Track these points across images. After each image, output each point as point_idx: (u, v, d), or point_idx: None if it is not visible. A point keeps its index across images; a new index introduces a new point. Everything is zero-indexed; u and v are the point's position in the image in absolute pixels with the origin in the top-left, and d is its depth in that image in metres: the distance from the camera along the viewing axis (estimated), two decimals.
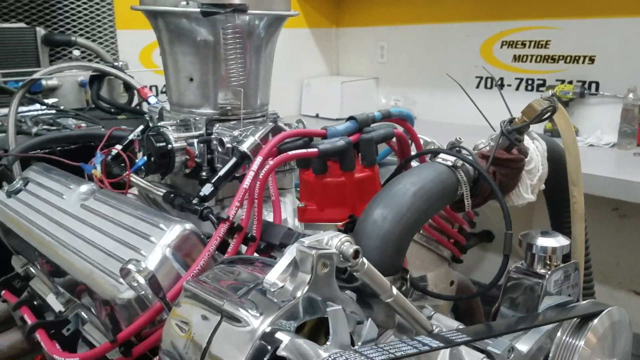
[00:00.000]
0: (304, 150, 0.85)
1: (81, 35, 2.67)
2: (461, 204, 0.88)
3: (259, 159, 0.84)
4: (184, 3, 0.96)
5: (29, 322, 0.91)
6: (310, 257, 0.61)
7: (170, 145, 1.00)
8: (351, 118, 0.94)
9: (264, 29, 1.04)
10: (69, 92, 2.31)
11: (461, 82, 4.10)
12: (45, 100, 2.05)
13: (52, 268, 0.94)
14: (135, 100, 2.27)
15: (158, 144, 0.99)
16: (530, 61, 3.30)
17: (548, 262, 0.93)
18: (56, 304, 0.96)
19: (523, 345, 0.86)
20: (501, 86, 3.42)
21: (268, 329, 0.59)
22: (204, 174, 1.03)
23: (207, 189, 0.95)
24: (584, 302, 0.94)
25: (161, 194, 1.03)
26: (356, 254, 0.64)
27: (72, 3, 2.67)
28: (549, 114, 0.90)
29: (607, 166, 2.63)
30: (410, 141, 1.01)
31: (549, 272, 0.91)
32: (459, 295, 1.14)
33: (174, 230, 0.80)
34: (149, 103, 1.64)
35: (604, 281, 2.94)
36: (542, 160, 1.01)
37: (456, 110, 3.57)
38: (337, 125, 0.93)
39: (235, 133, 0.98)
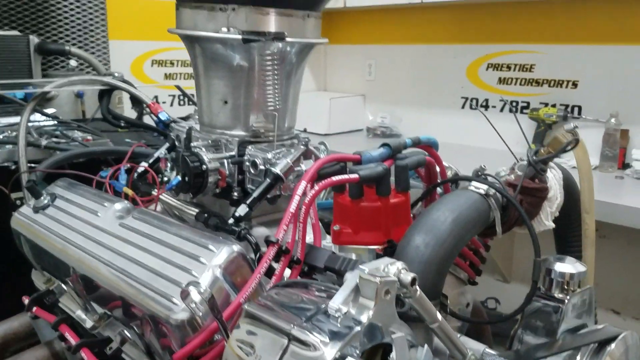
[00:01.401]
0: (346, 176, 0.88)
1: (74, 44, 2.66)
2: (491, 229, 0.92)
3: (303, 184, 0.86)
4: (225, 30, 0.98)
5: (72, 340, 0.92)
6: (374, 285, 0.64)
7: (204, 166, 1.02)
8: (385, 144, 0.97)
9: (296, 55, 1.07)
10: (65, 103, 2.29)
11: (447, 102, 4.19)
12: (44, 111, 2.03)
13: (87, 285, 0.94)
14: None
15: (193, 164, 1.01)
16: (515, 84, 3.40)
17: (566, 287, 0.97)
18: (87, 322, 0.97)
19: None
20: (486, 107, 3.51)
21: (338, 355, 0.61)
22: (235, 194, 1.05)
23: (242, 210, 0.98)
24: (600, 326, 0.99)
25: (193, 213, 1.05)
26: (413, 282, 0.67)
27: (65, 12, 2.66)
28: (572, 145, 0.96)
29: None
30: None
31: (568, 297, 0.95)
32: (486, 320, 1.18)
33: (224, 252, 0.82)
34: (159, 119, 1.65)
35: None
36: (559, 189, 1.06)
37: (441, 129, 3.67)
38: (371, 151, 0.97)
39: (269, 155, 1.01)
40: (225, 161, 1.06)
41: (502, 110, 3.44)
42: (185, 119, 2.03)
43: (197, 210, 1.06)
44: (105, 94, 1.61)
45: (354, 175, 0.88)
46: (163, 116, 1.64)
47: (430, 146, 1.04)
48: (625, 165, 2.94)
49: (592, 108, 3.11)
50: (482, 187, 0.91)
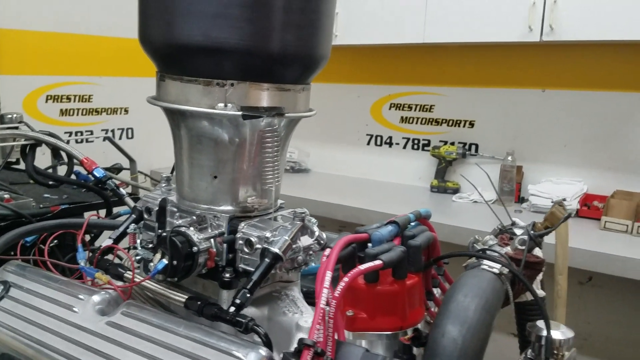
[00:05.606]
0: (371, 264, 0.84)
1: None
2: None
3: (328, 275, 0.81)
4: (222, 105, 0.91)
5: None
6: None
7: (195, 248, 0.94)
8: (393, 222, 0.95)
9: (286, 127, 1.02)
10: None
11: (352, 139, 4.27)
12: None
13: None
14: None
15: (182, 247, 0.92)
16: (416, 123, 3.54)
17: (555, 352, 1.00)
18: None
19: None
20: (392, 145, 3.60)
21: None
22: (227, 275, 0.97)
23: (243, 297, 0.90)
24: None
25: (181, 299, 0.95)
26: None
27: None
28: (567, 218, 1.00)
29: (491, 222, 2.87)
30: None
31: None
32: None
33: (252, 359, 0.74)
34: (94, 176, 1.51)
35: None
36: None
37: (347, 164, 3.73)
38: (380, 229, 0.94)
39: (267, 234, 0.95)
40: (212, 240, 0.98)
41: (404, 147, 3.57)
42: (111, 169, 1.87)
43: (183, 294, 0.96)
44: (31, 149, 1.44)
45: (378, 262, 0.85)
46: (99, 173, 1.50)
47: (426, 219, 1.03)
48: (521, 199, 3.16)
49: (488, 146, 3.33)
50: (496, 267, 0.92)
